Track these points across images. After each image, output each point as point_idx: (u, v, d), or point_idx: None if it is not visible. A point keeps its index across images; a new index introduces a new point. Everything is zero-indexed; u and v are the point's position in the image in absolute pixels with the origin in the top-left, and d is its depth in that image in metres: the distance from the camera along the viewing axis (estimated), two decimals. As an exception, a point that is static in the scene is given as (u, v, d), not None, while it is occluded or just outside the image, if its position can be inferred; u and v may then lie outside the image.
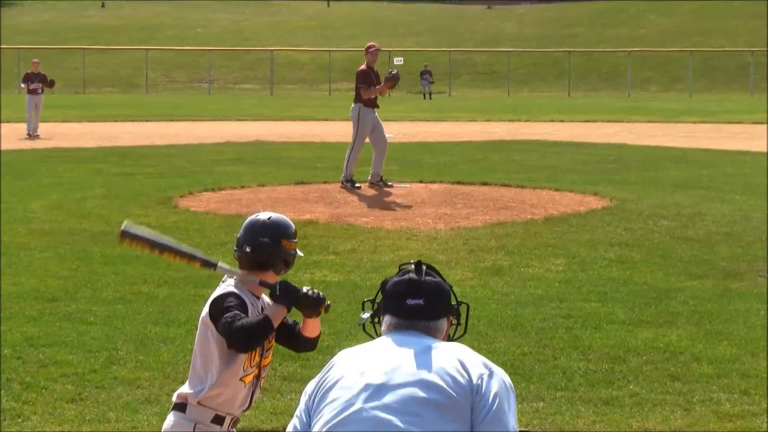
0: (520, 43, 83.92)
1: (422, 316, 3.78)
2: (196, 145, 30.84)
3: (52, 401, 8.67)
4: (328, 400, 3.65)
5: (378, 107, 19.69)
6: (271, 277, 5.50)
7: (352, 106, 19.73)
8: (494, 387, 3.60)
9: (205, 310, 5.40)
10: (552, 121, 42.68)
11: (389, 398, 3.55)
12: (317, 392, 3.71)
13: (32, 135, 33.35)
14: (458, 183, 20.76)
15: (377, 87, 19.46)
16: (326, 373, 3.75)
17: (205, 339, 5.42)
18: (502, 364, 9.59)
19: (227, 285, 5.47)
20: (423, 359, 3.61)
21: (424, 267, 3.87)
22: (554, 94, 69.95)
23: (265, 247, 5.42)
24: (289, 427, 3.76)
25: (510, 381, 3.71)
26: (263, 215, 5.54)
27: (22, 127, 34.51)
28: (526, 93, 71.86)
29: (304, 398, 3.79)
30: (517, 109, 50.18)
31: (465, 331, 4.01)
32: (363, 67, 19.69)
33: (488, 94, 70.34)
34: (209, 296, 5.47)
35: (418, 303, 3.79)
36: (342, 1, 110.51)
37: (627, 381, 9.20)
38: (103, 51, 78.65)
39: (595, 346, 10.19)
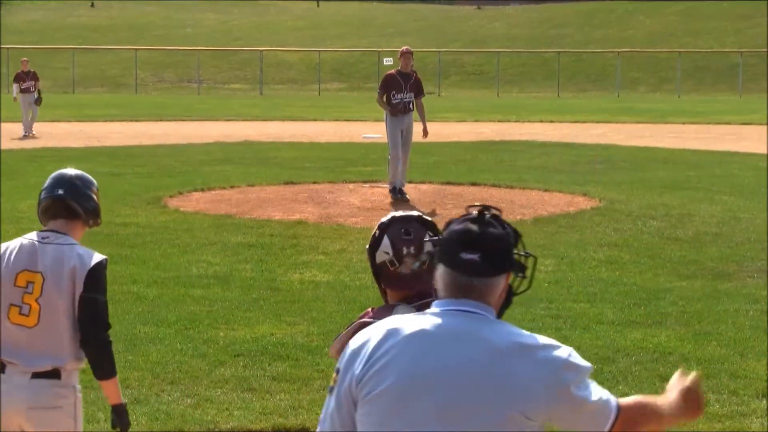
0: (509, 43, 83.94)
1: (477, 273, 3.46)
2: (185, 145, 30.79)
3: (41, 401, 8.65)
4: (380, 410, 3.43)
5: (405, 112, 18.76)
6: (81, 229, 5.64)
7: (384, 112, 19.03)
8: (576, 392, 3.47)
9: (81, 276, 5.48)
10: (541, 121, 42.69)
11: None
12: (363, 380, 3.45)
13: (28, 134, 33.46)
14: (447, 183, 20.78)
15: (383, 102, 18.76)
16: (372, 363, 3.45)
17: (72, 306, 5.53)
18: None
19: (90, 251, 5.60)
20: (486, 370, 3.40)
21: (487, 215, 3.55)
22: (543, 95, 69.98)
23: (78, 189, 5.61)
24: (327, 425, 3.54)
25: (572, 358, 3.52)
26: (70, 170, 5.81)
27: (13, 127, 34.43)
28: (515, 93, 71.88)
29: (346, 375, 3.50)
30: (506, 110, 50.19)
31: (530, 286, 3.66)
32: (392, 71, 19.02)
33: (477, 95, 70.35)
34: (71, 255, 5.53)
35: (473, 258, 3.46)
36: (331, 1, 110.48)
37: (616, 381, 9.20)
38: (92, 51, 78.50)
39: (584, 346, 10.19)
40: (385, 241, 4.55)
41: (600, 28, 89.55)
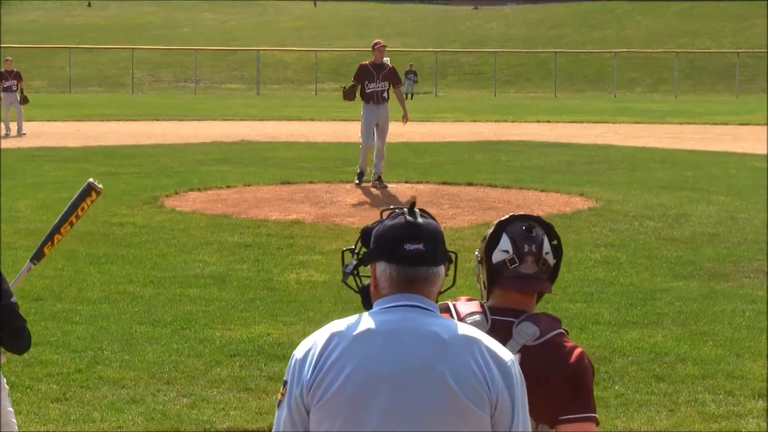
0: (506, 43, 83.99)
1: (423, 262, 3.43)
2: (182, 144, 30.78)
3: (37, 401, 8.65)
4: (330, 415, 3.39)
5: (378, 102, 19.60)
6: None
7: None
8: (517, 395, 3.41)
9: None
10: (538, 121, 42.70)
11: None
12: (313, 386, 3.43)
13: (18, 133, 33.47)
14: (444, 183, 20.77)
15: (345, 90, 19.88)
16: (321, 367, 3.42)
17: None
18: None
19: None
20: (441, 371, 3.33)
21: (416, 209, 3.51)
22: (540, 95, 70.01)
23: None
24: (283, 426, 3.49)
25: (515, 365, 3.46)
26: None
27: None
28: (512, 93, 71.90)
29: (295, 384, 3.51)
30: (503, 110, 50.19)
31: (453, 283, 3.66)
32: (366, 62, 20.07)
33: (475, 95, 70.37)
34: None
35: (417, 248, 3.43)
36: (329, 1, 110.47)
37: (612, 381, 9.21)
38: (89, 50, 78.47)
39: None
40: (504, 238, 4.42)
41: (597, 29, 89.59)
